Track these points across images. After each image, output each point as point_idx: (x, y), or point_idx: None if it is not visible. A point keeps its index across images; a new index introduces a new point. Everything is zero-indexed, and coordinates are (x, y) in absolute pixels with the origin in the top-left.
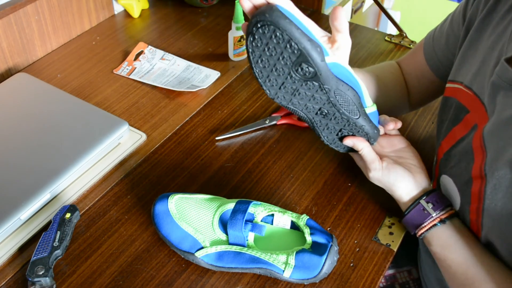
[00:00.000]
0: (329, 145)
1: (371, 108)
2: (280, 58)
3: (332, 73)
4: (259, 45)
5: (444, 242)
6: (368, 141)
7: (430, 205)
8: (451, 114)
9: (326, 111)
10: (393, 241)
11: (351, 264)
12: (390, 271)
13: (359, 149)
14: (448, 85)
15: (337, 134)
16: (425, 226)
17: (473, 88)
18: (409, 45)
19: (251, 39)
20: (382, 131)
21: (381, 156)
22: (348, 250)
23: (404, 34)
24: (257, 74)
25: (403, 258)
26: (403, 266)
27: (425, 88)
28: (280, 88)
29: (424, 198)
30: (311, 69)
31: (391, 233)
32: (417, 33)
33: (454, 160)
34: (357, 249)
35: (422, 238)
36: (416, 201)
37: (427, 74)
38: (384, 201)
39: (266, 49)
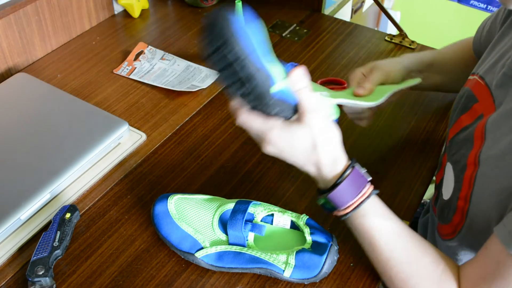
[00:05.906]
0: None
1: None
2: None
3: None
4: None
5: (382, 209)
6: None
7: (363, 170)
8: (461, 103)
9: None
10: None
11: (351, 264)
12: None
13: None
14: (469, 77)
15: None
16: (365, 192)
17: (486, 78)
18: (409, 45)
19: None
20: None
21: None
22: (348, 250)
23: (404, 34)
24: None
25: None
26: None
27: None
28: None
29: (354, 162)
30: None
31: None
32: (417, 33)
33: (456, 147)
34: (357, 249)
35: (355, 210)
36: (350, 165)
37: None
38: (384, 201)
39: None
